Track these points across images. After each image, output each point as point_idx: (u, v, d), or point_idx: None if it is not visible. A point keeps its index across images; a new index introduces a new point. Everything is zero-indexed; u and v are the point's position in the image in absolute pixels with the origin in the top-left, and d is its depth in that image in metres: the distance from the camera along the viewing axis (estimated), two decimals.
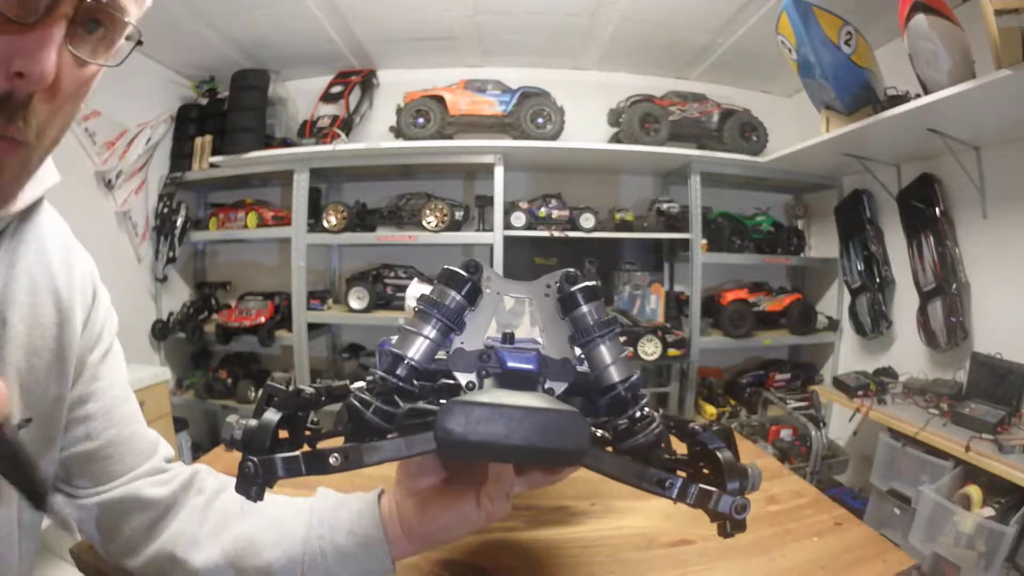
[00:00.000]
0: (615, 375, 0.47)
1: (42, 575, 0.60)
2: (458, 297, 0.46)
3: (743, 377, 3.03)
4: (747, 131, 2.82)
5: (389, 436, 0.44)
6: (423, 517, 0.55)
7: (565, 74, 3.04)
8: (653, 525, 0.80)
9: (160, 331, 2.93)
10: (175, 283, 3.11)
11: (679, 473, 0.45)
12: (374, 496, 0.58)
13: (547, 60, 2.97)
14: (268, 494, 0.65)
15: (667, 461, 0.47)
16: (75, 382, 0.57)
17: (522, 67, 2.97)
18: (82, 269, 0.60)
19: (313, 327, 2.86)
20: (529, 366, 0.48)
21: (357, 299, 2.77)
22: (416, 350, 0.46)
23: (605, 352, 0.47)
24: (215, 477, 0.66)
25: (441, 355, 0.49)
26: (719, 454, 0.45)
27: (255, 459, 0.42)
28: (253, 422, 0.44)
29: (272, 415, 0.44)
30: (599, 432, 0.50)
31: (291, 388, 0.47)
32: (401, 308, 2.65)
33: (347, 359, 3.09)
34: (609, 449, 0.47)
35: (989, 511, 1.65)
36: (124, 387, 0.64)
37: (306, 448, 0.45)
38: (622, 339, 0.50)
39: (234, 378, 2.97)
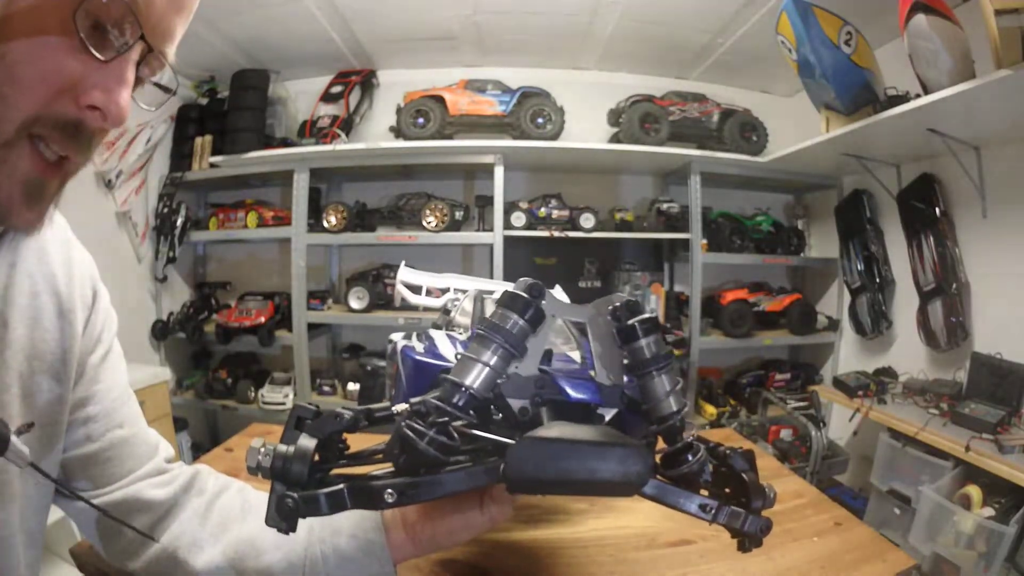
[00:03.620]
0: (672, 406, 0.47)
1: (42, 575, 0.59)
2: (521, 322, 0.44)
3: (743, 377, 3.03)
4: (747, 131, 2.81)
5: (446, 469, 0.42)
6: (428, 521, 0.56)
7: (565, 74, 3.04)
8: (653, 525, 0.81)
9: (160, 331, 2.93)
10: (175, 283, 3.10)
11: (703, 492, 0.47)
12: None
13: (547, 60, 2.97)
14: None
15: (704, 483, 0.49)
16: (76, 384, 0.57)
17: (522, 67, 2.96)
18: (82, 269, 0.59)
19: (313, 327, 2.86)
20: (589, 397, 0.48)
21: (357, 299, 2.77)
22: (475, 378, 0.43)
23: (660, 384, 0.47)
24: (216, 478, 0.66)
25: None
26: (745, 476, 0.47)
27: (295, 495, 0.39)
28: (283, 447, 0.41)
29: (307, 441, 0.41)
30: None
31: (323, 411, 0.44)
32: (401, 308, 2.65)
33: (347, 359, 3.09)
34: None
35: (989, 511, 1.64)
36: (124, 388, 0.63)
37: (343, 470, 0.43)
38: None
39: (234, 378, 2.96)
